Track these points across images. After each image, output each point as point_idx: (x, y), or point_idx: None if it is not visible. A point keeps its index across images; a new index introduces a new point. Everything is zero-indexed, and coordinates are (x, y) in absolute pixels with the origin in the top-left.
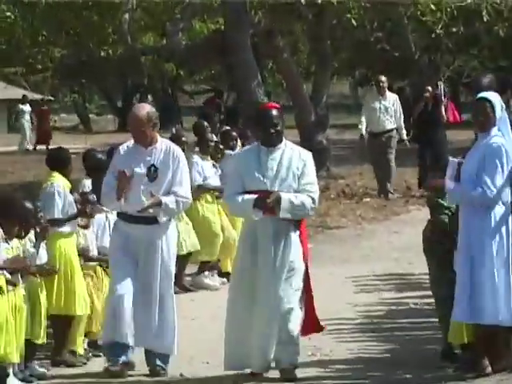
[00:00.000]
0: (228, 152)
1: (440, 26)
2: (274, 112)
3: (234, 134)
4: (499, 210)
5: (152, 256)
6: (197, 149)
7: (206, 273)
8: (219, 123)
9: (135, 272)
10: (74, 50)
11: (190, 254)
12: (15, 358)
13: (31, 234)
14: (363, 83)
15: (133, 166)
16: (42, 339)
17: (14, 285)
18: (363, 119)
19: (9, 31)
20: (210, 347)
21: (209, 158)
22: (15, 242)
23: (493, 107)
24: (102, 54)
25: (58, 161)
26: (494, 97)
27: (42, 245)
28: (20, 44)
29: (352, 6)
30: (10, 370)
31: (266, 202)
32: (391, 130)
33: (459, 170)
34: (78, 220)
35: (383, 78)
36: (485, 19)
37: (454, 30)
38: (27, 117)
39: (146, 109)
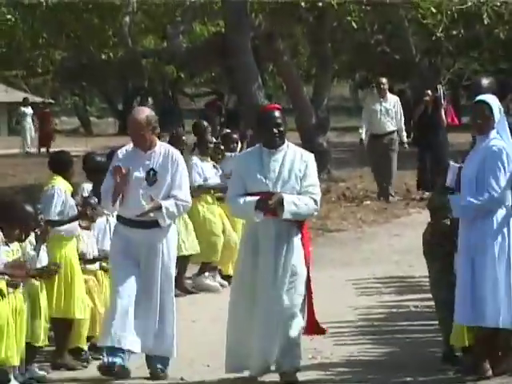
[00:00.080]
0: (228, 154)
1: (440, 29)
2: (277, 113)
3: (235, 136)
4: (500, 212)
5: (153, 260)
6: (196, 150)
7: (207, 273)
8: (220, 126)
9: (137, 274)
10: (74, 52)
11: (190, 255)
12: (16, 361)
13: (31, 237)
14: (363, 86)
15: (132, 170)
16: (42, 342)
17: (15, 286)
18: (363, 123)
19: (9, 34)
20: (210, 350)
21: (209, 159)
22: (15, 244)
23: (491, 110)
24: (103, 56)
25: (60, 164)
26: (492, 99)
27: (43, 247)
28: (20, 47)
29: (352, 8)
30: (11, 375)
31: (268, 204)
32: (392, 132)
33: (459, 175)
34: (80, 222)
35: (384, 80)
36: (485, 22)
37: (455, 32)
38: (29, 119)
39: (145, 112)
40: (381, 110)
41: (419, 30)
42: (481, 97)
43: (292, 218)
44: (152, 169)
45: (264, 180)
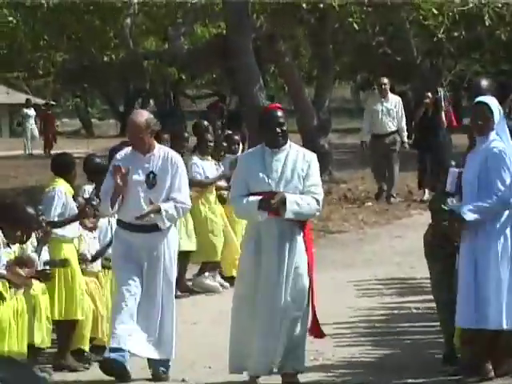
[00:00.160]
0: (228, 156)
1: (442, 31)
2: (279, 112)
3: (237, 137)
4: (503, 212)
5: (155, 264)
6: (196, 151)
7: (207, 274)
8: (221, 128)
9: (139, 277)
10: (75, 54)
11: (189, 255)
12: None
13: (33, 238)
14: (365, 87)
15: (131, 172)
16: (44, 343)
17: (18, 287)
18: (364, 125)
19: (10, 35)
20: (211, 351)
21: (209, 157)
22: (17, 246)
23: (491, 111)
24: (104, 58)
25: (62, 166)
26: (492, 101)
27: (44, 249)
28: (21, 48)
29: (354, 10)
30: None
31: (271, 203)
32: (394, 132)
33: (460, 179)
34: (86, 222)
35: (385, 80)
36: (487, 23)
37: (456, 34)
38: (32, 121)
39: (144, 116)
40: (382, 110)
41: (420, 32)
42: (481, 98)
43: (294, 218)
44: (152, 172)
45: (267, 180)
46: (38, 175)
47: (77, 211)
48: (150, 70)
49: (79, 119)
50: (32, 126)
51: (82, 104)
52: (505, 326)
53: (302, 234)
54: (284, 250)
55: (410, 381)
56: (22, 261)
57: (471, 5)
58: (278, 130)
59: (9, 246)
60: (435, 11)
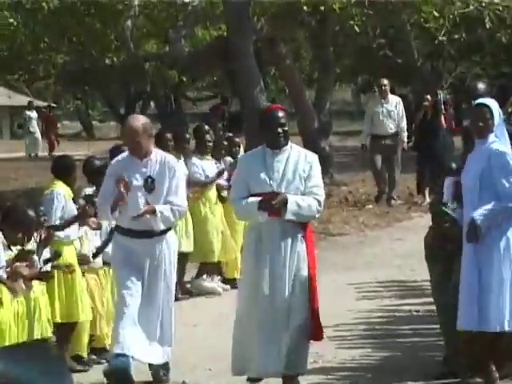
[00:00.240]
0: (228, 158)
1: (443, 33)
2: (280, 113)
3: (237, 140)
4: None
5: (155, 270)
6: (196, 152)
7: (205, 276)
8: (222, 130)
9: (140, 282)
10: (76, 56)
11: (188, 256)
12: None
13: (33, 241)
14: (366, 90)
15: (129, 178)
16: None
17: (15, 295)
18: (365, 127)
19: (11, 38)
20: (212, 354)
21: (209, 156)
22: (17, 248)
23: (492, 113)
24: (105, 60)
25: (63, 169)
26: (492, 103)
27: (46, 250)
28: (22, 50)
29: (355, 12)
30: None
31: (272, 204)
32: (394, 133)
33: (457, 188)
34: (90, 223)
35: (385, 81)
36: (487, 26)
37: (457, 36)
38: (34, 123)
39: (140, 120)
40: (382, 111)
41: (421, 34)
42: (481, 100)
43: (294, 219)
44: (150, 176)
45: (268, 181)
46: (39, 177)
47: (77, 213)
48: (150, 73)
49: (80, 121)
50: (34, 128)
51: (82, 106)
52: (507, 328)
53: (303, 236)
54: (286, 251)
55: (409, 383)
56: (23, 256)
57: (472, 7)
58: (279, 130)
59: (9, 247)
60: (436, 14)
